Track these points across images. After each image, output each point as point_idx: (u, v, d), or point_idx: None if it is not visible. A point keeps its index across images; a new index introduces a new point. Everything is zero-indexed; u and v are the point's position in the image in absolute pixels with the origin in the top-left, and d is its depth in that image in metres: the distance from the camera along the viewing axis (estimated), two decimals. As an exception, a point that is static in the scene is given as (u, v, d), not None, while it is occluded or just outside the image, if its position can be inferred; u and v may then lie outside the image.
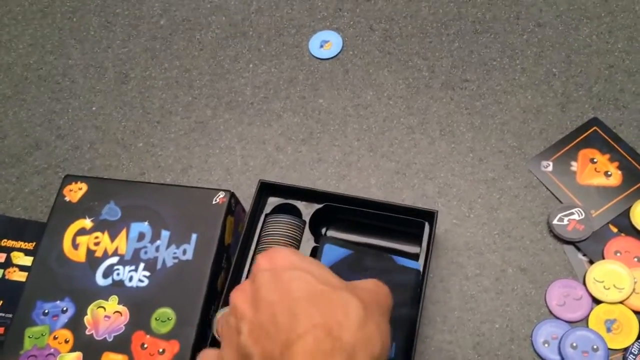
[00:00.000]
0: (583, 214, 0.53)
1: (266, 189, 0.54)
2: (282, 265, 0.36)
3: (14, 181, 0.62)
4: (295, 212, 0.54)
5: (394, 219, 0.52)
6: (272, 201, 0.54)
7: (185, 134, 0.63)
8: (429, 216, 0.51)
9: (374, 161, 0.59)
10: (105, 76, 0.67)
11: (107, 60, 0.68)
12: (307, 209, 0.53)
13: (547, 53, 0.61)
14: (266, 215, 0.54)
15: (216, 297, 0.51)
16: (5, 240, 0.58)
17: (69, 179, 0.56)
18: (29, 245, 0.58)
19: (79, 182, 0.56)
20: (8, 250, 0.57)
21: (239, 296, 0.36)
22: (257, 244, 0.53)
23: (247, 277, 0.51)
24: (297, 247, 0.52)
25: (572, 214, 0.53)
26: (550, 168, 0.56)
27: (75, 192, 0.56)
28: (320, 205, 0.53)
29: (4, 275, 0.56)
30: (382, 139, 0.59)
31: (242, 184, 0.59)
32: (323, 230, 0.55)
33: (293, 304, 0.33)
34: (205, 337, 0.49)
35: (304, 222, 0.53)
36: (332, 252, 0.50)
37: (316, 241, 0.52)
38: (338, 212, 0.53)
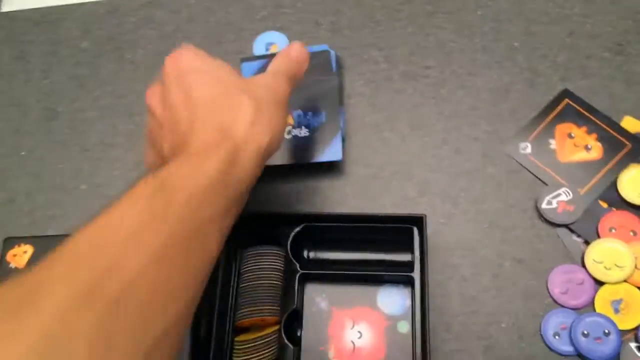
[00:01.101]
0: (570, 193, 0.51)
1: (237, 221, 0.49)
2: (186, 67, 0.39)
3: (-55, 251, 0.54)
4: (273, 241, 0.49)
5: (379, 230, 0.49)
6: (244, 233, 0.50)
7: (133, 169, 0.56)
8: (417, 221, 0.47)
9: (345, 169, 0.54)
10: (30, 115, 0.60)
11: (28, 96, 0.61)
12: (286, 235, 0.49)
13: (505, 27, 0.58)
14: (242, 249, 0.49)
15: (200, 347, 0.46)
16: None
17: (10, 241, 0.50)
18: None
19: (22, 245, 0.50)
20: None
21: (151, 97, 0.41)
22: (239, 282, 0.48)
23: (233, 324, 0.47)
24: (281, 278, 0.48)
25: (560, 194, 0.51)
26: (528, 149, 0.53)
27: (20, 256, 0.50)
28: (299, 228, 0.49)
29: None
30: (349, 144, 0.55)
31: (206, 215, 0.54)
32: (305, 253, 0.51)
33: (193, 106, 0.38)
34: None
35: (285, 249, 0.49)
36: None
37: (301, 267, 0.48)
38: (318, 232, 0.49)
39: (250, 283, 0.47)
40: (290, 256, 0.48)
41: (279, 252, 0.48)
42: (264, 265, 0.48)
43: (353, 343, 0.48)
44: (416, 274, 0.46)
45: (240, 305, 0.47)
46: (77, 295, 0.26)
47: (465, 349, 0.48)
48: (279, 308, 0.47)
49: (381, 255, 0.50)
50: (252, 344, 0.46)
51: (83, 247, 0.29)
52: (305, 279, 0.49)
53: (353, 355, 0.47)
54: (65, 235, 0.50)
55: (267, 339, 0.46)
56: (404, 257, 0.49)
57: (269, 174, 0.54)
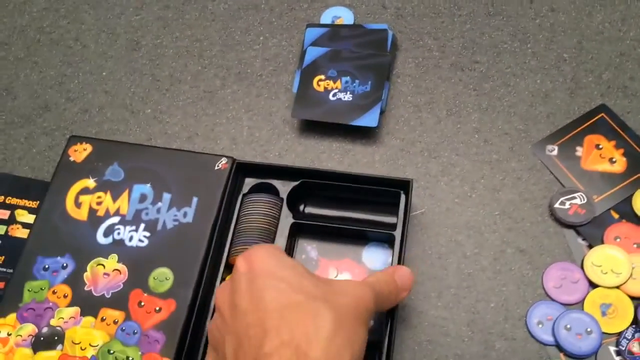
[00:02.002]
0: (585, 198, 0.53)
1: (242, 169, 0.55)
2: (259, 270, 0.37)
3: (22, 141, 0.63)
4: (273, 191, 0.54)
5: (370, 191, 0.52)
6: (249, 181, 0.55)
7: (193, 103, 0.63)
8: (404, 185, 0.51)
9: (378, 137, 0.59)
10: (117, 42, 0.68)
11: (119, 27, 0.69)
12: (285, 187, 0.54)
13: (559, 38, 0.61)
14: (243, 195, 0.54)
15: (218, 261, 0.52)
16: (10, 198, 0.59)
17: (74, 139, 0.57)
18: (33, 204, 0.58)
19: (84, 143, 0.57)
20: (12, 207, 0.58)
21: (220, 297, 0.39)
22: (236, 224, 0.53)
23: (227, 258, 0.52)
24: (276, 225, 0.52)
25: (574, 198, 0.53)
26: (555, 152, 0.56)
27: (80, 152, 0.56)
28: (296, 183, 0.53)
29: (7, 231, 0.57)
30: (389, 116, 0.59)
31: (247, 154, 0.59)
32: (301, 207, 0.55)
33: (264, 317, 0.34)
34: (207, 297, 0.50)
35: (282, 199, 0.53)
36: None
37: (294, 217, 0.53)
38: (315, 188, 0.54)
39: (246, 225, 0.52)
40: (287, 207, 0.53)
41: (276, 202, 0.53)
42: (261, 210, 0.52)
43: None
44: (397, 234, 0.50)
45: (235, 243, 0.52)
46: None
47: (451, 317, 0.51)
48: None
49: (370, 215, 0.54)
50: None
51: None
52: (298, 230, 0.53)
53: None
54: (121, 143, 0.57)
55: None
56: (392, 220, 0.52)
57: (308, 128, 0.60)
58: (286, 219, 0.53)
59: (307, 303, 0.35)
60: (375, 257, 0.52)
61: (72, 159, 0.56)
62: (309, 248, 0.53)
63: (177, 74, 0.65)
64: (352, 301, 0.37)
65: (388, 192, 0.52)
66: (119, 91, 0.65)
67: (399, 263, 0.49)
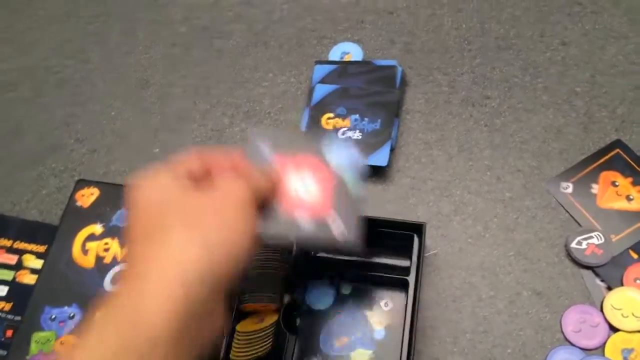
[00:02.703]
0: (602, 238, 0.51)
1: None
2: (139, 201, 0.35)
3: (30, 183, 0.62)
4: None
5: (382, 234, 0.51)
6: None
7: (201, 142, 0.63)
8: (417, 229, 0.50)
9: (388, 176, 0.58)
10: (125, 81, 0.68)
11: (127, 66, 0.69)
12: None
13: (571, 72, 0.60)
14: None
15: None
16: (18, 242, 0.58)
17: (81, 183, 0.57)
18: (41, 248, 0.58)
19: (91, 187, 0.56)
20: (20, 252, 0.58)
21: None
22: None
23: (237, 307, 0.50)
24: (286, 269, 0.51)
25: (591, 237, 0.51)
26: (570, 190, 0.54)
27: (87, 197, 0.56)
28: None
29: (14, 277, 0.57)
30: (399, 154, 0.59)
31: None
32: (312, 252, 0.54)
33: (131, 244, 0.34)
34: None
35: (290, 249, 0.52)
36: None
37: (305, 260, 0.52)
38: None
39: (257, 270, 0.50)
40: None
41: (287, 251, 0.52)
42: (272, 256, 0.51)
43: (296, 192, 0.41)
44: (411, 278, 0.49)
45: (246, 290, 0.50)
46: None
47: (467, 364, 0.49)
48: (280, 297, 0.50)
49: (382, 259, 0.52)
50: (250, 337, 0.49)
51: None
52: (307, 273, 0.52)
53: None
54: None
55: (264, 332, 0.49)
56: (405, 263, 0.51)
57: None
58: (297, 263, 0.52)
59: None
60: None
61: (79, 204, 0.56)
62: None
63: (185, 113, 0.65)
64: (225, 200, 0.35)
65: (400, 235, 0.51)
66: (128, 131, 0.64)
67: (413, 307, 0.47)
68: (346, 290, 0.53)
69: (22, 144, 0.65)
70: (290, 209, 0.40)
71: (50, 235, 0.55)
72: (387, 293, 0.52)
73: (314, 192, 0.41)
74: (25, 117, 0.66)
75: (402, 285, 0.51)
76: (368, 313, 0.51)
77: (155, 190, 0.36)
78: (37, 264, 0.56)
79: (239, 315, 0.51)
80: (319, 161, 0.42)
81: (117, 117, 0.66)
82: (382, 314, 0.51)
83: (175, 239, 0.33)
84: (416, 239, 0.51)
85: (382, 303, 0.51)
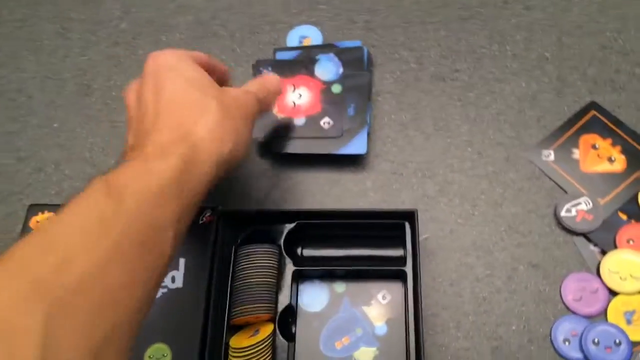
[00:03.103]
0: (590, 203, 0.51)
1: (229, 218, 0.49)
2: (163, 65, 0.40)
3: (-27, 212, 0.56)
4: (267, 238, 0.50)
5: (372, 226, 0.49)
6: (238, 232, 0.50)
7: (160, 147, 0.58)
8: (408, 216, 0.48)
9: (367, 162, 0.55)
10: (65, 89, 0.62)
11: (65, 71, 0.62)
12: (279, 232, 0.50)
13: (538, 37, 0.59)
14: (235, 248, 0.50)
15: (220, 325, 0.47)
16: None
17: (34, 209, 0.51)
18: None
19: (45, 212, 0.51)
20: None
21: (128, 91, 0.42)
22: (233, 281, 0.48)
23: (227, 323, 0.47)
24: (275, 276, 0.48)
25: (579, 203, 0.51)
26: (551, 157, 0.54)
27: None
28: (292, 225, 0.49)
29: None
30: (375, 138, 0.56)
31: (229, 200, 0.55)
32: (299, 250, 0.51)
33: (161, 104, 0.38)
34: None
35: (278, 246, 0.49)
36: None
37: (295, 263, 0.49)
38: (312, 228, 0.50)
39: (244, 281, 0.47)
40: (285, 253, 0.49)
41: (272, 250, 0.49)
42: (258, 263, 0.48)
43: (294, 103, 0.55)
44: (408, 268, 0.47)
45: (234, 303, 0.47)
46: (27, 289, 0.27)
47: (474, 347, 0.48)
48: (273, 305, 0.47)
49: (375, 250, 0.50)
50: (246, 352, 0.45)
51: (35, 244, 0.29)
52: (300, 276, 0.50)
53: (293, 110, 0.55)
54: None
55: (260, 347, 0.45)
56: (399, 252, 0.49)
57: (289, 163, 0.56)
58: (287, 266, 0.49)
59: (201, 98, 0.39)
60: (327, 70, 0.55)
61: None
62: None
63: (138, 117, 0.59)
64: (239, 102, 0.41)
65: (390, 225, 0.49)
66: (75, 144, 0.59)
67: (415, 299, 0.45)
68: (340, 288, 0.50)
69: (-43, 170, 0.58)
70: (287, 114, 0.54)
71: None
72: (384, 285, 0.49)
73: (306, 99, 0.54)
74: (-45, 139, 0.59)
75: (398, 276, 0.49)
76: (366, 309, 0.49)
77: (187, 64, 0.40)
78: None
79: (230, 329, 0.47)
80: (310, 77, 0.55)
81: (61, 129, 0.60)
82: (381, 307, 0.49)
83: (213, 125, 0.38)
84: (408, 227, 0.48)
85: (379, 296, 0.49)
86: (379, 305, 0.49)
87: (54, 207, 0.51)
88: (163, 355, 0.45)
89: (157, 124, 0.37)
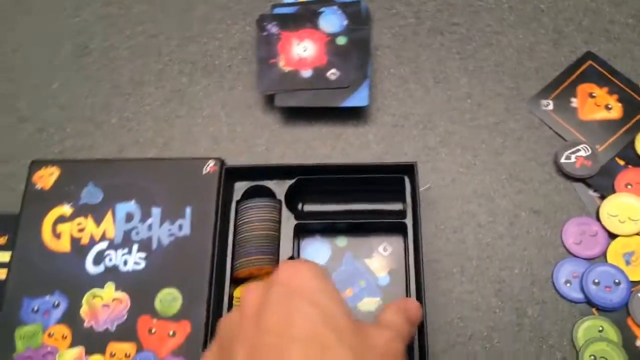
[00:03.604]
0: (589, 149, 0.52)
1: (231, 173, 0.50)
2: (297, 287, 0.34)
3: (-25, 173, 0.56)
4: (268, 193, 0.50)
5: (371, 180, 0.50)
6: (240, 186, 0.51)
7: (162, 105, 0.58)
8: (408, 170, 0.49)
9: (369, 116, 0.56)
10: (63, 50, 0.61)
11: (60, 33, 0.62)
12: (280, 187, 0.50)
13: (533, -11, 0.59)
14: (237, 202, 0.50)
15: (223, 275, 0.48)
16: None
17: (36, 165, 0.51)
18: (1, 240, 0.52)
19: (48, 167, 0.51)
20: None
21: (251, 297, 0.35)
22: (235, 235, 0.49)
23: (232, 271, 0.48)
24: (278, 229, 0.48)
25: (579, 150, 0.52)
26: (550, 107, 0.54)
27: (46, 177, 0.51)
28: (292, 181, 0.50)
29: None
30: (375, 92, 0.57)
31: (231, 152, 0.55)
32: (300, 206, 0.52)
33: (286, 344, 0.32)
34: (217, 314, 0.46)
35: (279, 201, 0.50)
36: None
37: (297, 218, 0.49)
38: (313, 184, 0.50)
39: (246, 234, 0.48)
40: (287, 208, 0.50)
41: (274, 204, 0.49)
42: (260, 216, 0.48)
43: (299, 56, 0.55)
44: (408, 220, 0.48)
45: (237, 256, 0.48)
46: None
47: (478, 291, 0.49)
48: (276, 257, 0.48)
49: (376, 205, 0.51)
50: None
51: None
52: (302, 231, 0.50)
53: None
54: (91, 160, 0.52)
55: None
56: (399, 207, 0.50)
57: (292, 116, 0.56)
58: (288, 221, 0.49)
59: (335, 345, 0.32)
60: (331, 23, 0.56)
61: (38, 186, 0.50)
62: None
63: (138, 76, 0.59)
64: (380, 355, 0.34)
65: (390, 179, 0.49)
66: (76, 103, 0.59)
67: (416, 251, 0.46)
68: (341, 242, 0.51)
69: (-44, 132, 0.58)
70: (295, 68, 0.55)
71: (10, 224, 0.50)
72: (385, 238, 0.50)
73: (311, 51, 0.55)
74: (-47, 101, 0.59)
75: (399, 229, 0.49)
76: (368, 261, 0.50)
77: (326, 291, 0.35)
78: (3, 257, 0.51)
79: (234, 282, 0.48)
80: (314, 30, 0.56)
81: (61, 90, 0.59)
82: (383, 259, 0.50)
83: None
84: (408, 181, 0.49)
85: (380, 249, 0.50)
86: (381, 257, 0.50)
87: (56, 163, 0.51)
88: (173, 299, 0.45)
89: None
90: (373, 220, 0.50)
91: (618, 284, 0.47)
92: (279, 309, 0.33)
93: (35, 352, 0.45)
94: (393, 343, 0.36)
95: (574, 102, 0.54)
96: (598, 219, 0.50)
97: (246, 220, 0.49)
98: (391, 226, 0.49)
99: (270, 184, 0.50)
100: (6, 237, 0.52)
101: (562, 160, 0.52)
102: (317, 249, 0.50)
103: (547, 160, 0.53)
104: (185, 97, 0.58)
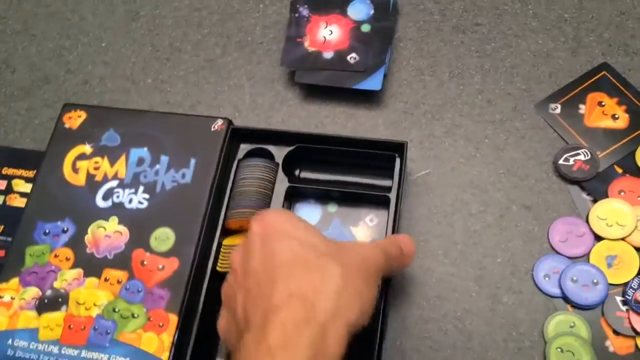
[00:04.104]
0: (589, 154, 0.53)
1: (238, 134, 0.55)
2: (271, 229, 0.38)
3: (23, 113, 0.62)
4: (268, 156, 0.54)
5: (366, 155, 0.52)
6: (244, 147, 0.55)
7: (194, 72, 0.63)
8: (399, 148, 0.51)
9: (382, 101, 0.59)
10: (115, 13, 0.67)
11: (117, -2, 0.68)
12: (280, 152, 0.54)
13: (559, -1, 0.61)
14: (239, 160, 0.54)
15: (215, 222, 0.52)
16: (6, 168, 0.59)
17: (68, 107, 0.57)
18: (30, 173, 0.59)
19: (78, 110, 0.57)
20: (9, 177, 0.59)
21: (235, 259, 0.40)
22: (232, 189, 0.53)
23: (223, 221, 0.52)
24: (272, 189, 0.52)
25: (578, 154, 0.53)
26: (558, 110, 0.56)
27: (75, 119, 0.56)
28: (292, 147, 0.53)
29: (4, 201, 0.57)
30: (392, 80, 0.59)
31: (250, 121, 0.59)
32: (297, 172, 0.55)
33: (274, 272, 0.35)
34: (206, 254, 0.50)
35: (277, 164, 0.53)
36: None
37: (290, 181, 0.53)
38: (311, 152, 0.54)
39: (242, 189, 0.52)
40: (283, 172, 0.53)
41: (271, 166, 0.53)
42: (257, 175, 0.52)
43: (324, 37, 0.59)
44: (392, 195, 0.50)
45: (232, 207, 0.52)
46: None
47: (459, 274, 0.51)
48: None
49: (367, 179, 0.54)
50: None
51: None
52: (293, 194, 0.53)
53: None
54: (116, 109, 0.57)
55: None
56: (388, 183, 0.52)
57: (310, 94, 0.60)
58: (282, 183, 0.53)
59: (317, 259, 0.36)
60: (359, 11, 0.59)
61: (67, 126, 0.56)
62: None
63: (177, 44, 0.65)
64: (361, 259, 0.38)
65: (384, 156, 0.52)
66: (119, 62, 0.64)
67: (394, 224, 0.49)
68: (332, 208, 0.54)
69: (14, 76, 0.64)
70: (318, 49, 0.58)
71: (39, 161, 0.55)
72: (372, 210, 0.53)
73: (336, 35, 0.59)
74: (15, 49, 0.66)
75: (386, 203, 0.51)
76: (353, 229, 0.53)
77: (297, 226, 0.38)
78: (27, 188, 0.57)
79: (225, 232, 0.52)
80: (342, 16, 0.60)
81: (108, 49, 0.65)
82: (368, 229, 0.52)
83: (335, 289, 0.34)
84: (398, 159, 0.51)
85: (367, 219, 0.53)
86: (366, 227, 0.52)
87: (85, 107, 0.57)
88: (167, 237, 0.50)
89: (273, 296, 0.34)
90: (363, 191, 0.52)
91: (596, 284, 0.48)
92: (260, 251, 0.37)
93: (41, 268, 0.50)
94: (376, 254, 0.39)
95: (582, 108, 0.55)
96: (587, 221, 0.51)
97: (242, 176, 0.53)
98: (378, 199, 0.52)
99: (272, 148, 0.54)
100: (35, 172, 0.58)
101: (561, 161, 0.53)
102: (309, 213, 0.53)
103: (546, 160, 0.54)
104: (216, 67, 0.63)
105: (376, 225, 0.52)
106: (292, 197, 0.54)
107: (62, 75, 0.64)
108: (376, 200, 0.52)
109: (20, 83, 0.64)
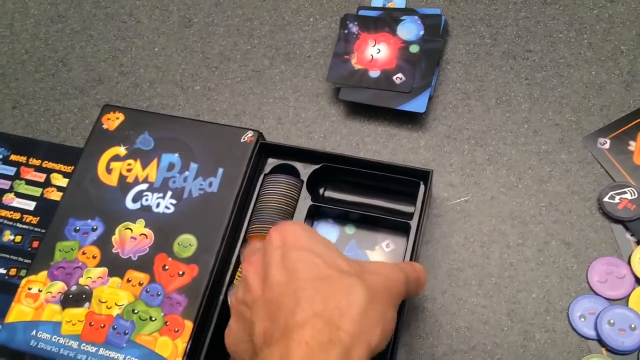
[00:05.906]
0: (636, 193, 0.51)
1: (265, 149, 0.55)
2: (292, 243, 0.37)
3: (76, 112, 0.65)
4: (294, 172, 0.54)
5: (390, 179, 0.52)
6: (271, 162, 0.56)
7: (241, 81, 0.64)
8: (424, 176, 0.50)
9: (425, 123, 0.58)
10: (170, 19, 0.69)
11: (172, 4, 0.70)
12: (306, 169, 0.54)
13: (617, 30, 0.59)
14: (265, 175, 0.55)
15: (237, 232, 0.53)
16: (46, 162, 0.62)
17: (107, 108, 0.59)
18: (69, 169, 0.61)
19: (116, 112, 0.58)
20: (48, 171, 0.61)
21: (251, 269, 0.38)
22: (256, 202, 0.54)
23: (245, 233, 0.52)
24: (294, 206, 0.53)
25: (625, 192, 0.52)
26: (607, 145, 0.54)
27: (113, 120, 0.58)
28: (317, 166, 0.53)
29: (42, 194, 0.60)
30: (437, 102, 0.59)
31: (292, 134, 0.60)
32: (321, 191, 0.55)
33: (297, 287, 0.34)
34: (225, 264, 0.51)
35: (302, 181, 0.53)
36: None
37: (313, 200, 0.53)
38: (336, 172, 0.54)
39: (264, 204, 0.53)
40: (307, 189, 0.53)
41: (296, 183, 0.53)
42: (281, 191, 0.53)
43: (372, 56, 0.59)
44: (413, 222, 0.49)
45: (253, 221, 0.53)
46: None
47: (491, 306, 0.50)
48: None
49: (389, 203, 0.54)
50: None
51: None
52: (315, 213, 0.54)
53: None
54: (152, 113, 0.58)
55: None
56: (410, 209, 0.52)
57: (354, 112, 0.60)
58: (304, 201, 0.53)
59: (341, 278, 0.35)
60: (409, 31, 0.60)
61: (105, 126, 0.58)
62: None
63: (227, 52, 0.66)
64: (385, 280, 0.37)
65: (409, 182, 0.51)
66: (170, 67, 0.66)
67: (412, 252, 0.48)
68: (350, 230, 0.53)
69: (69, 74, 0.67)
70: (364, 66, 0.59)
71: (78, 157, 0.57)
72: (390, 236, 0.53)
73: (384, 54, 0.59)
74: (72, 48, 0.68)
75: (405, 230, 0.51)
76: (369, 252, 0.52)
77: (317, 240, 0.38)
78: (64, 182, 0.60)
79: (245, 244, 0.53)
80: (391, 35, 0.60)
81: (161, 54, 0.67)
82: (384, 255, 0.52)
83: (359, 310, 0.34)
84: (422, 186, 0.51)
85: (383, 244, 0.52)
86: (382, 252, 0.52)
87: (123, 110, 0.58)
88: (190, 244, 0.51)
89: (297, 314, 0.33)
90: (382, 216, 0.52)
91: (634, 329, 0.47)
92: (282, 265, 0.36)
93: (68, 264, 0.52)
94: (399, 278, 0.38)
95: (632, 145, 0.54)
96: (629, 262, 0.50)
97: (267, 191, 0.53)
98: (398, 225, 0.51)
99: (298, 165, 0.54)
100: (73, 168, 0.60)
101: (606, 199, 0.52)
102: (326, 232, 0.53)
103: (590, 197, 0.53)
104: (263, 78, 0.63)
105: (392, 251, 0.52)
106: (314, 216, 0.54)
107: (115, 76, 0.66)
108: (395, 225, 0.52)
109: (75, 82, 0.66)
